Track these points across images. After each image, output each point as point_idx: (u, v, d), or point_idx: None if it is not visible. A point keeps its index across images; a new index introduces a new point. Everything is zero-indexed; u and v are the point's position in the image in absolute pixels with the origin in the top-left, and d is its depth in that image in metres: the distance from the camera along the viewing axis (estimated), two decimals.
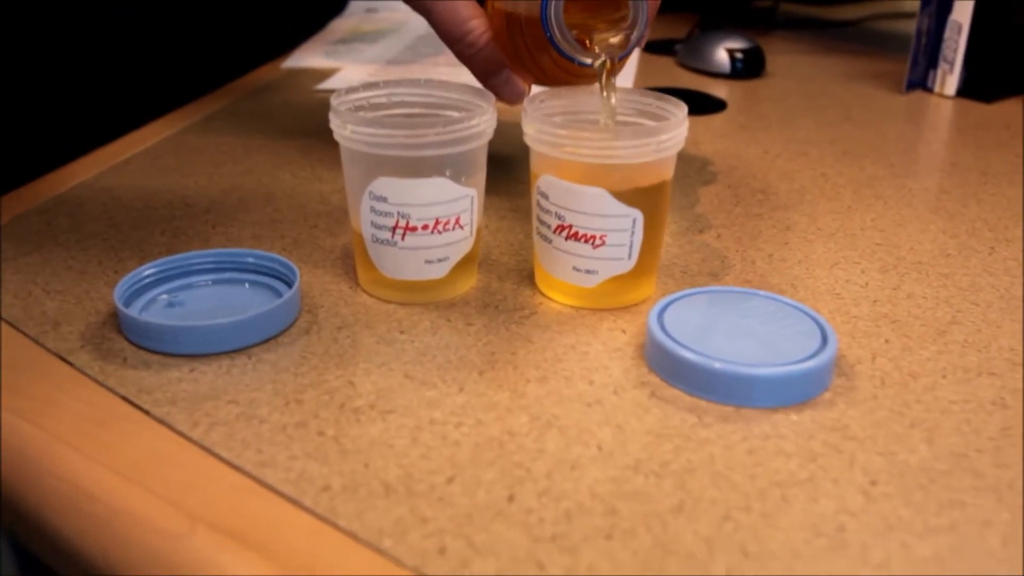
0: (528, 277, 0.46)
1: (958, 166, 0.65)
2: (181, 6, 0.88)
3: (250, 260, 0.45)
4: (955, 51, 0.80)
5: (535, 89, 0.48)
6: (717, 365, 0.36)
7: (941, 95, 0.82)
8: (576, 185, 0.41)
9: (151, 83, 0.86)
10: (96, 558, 0.30)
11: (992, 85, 0.80)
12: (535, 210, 0.43)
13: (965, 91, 0.81)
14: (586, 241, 0.42)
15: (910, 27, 0.81)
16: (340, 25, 1.08)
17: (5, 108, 0.87)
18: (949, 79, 0.81)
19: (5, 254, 0.48)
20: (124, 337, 0.40)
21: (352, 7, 1.15)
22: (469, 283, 0.45)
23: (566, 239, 0.42)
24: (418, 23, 1.08)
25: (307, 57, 0.94)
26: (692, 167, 0.63)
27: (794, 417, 0.35)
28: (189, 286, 0.44)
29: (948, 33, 0.80)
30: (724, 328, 0.39)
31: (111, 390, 0.37)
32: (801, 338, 0.38)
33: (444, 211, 0.42)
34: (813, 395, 0.36)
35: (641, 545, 0.29)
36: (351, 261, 0.48)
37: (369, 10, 1.14)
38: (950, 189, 0.60)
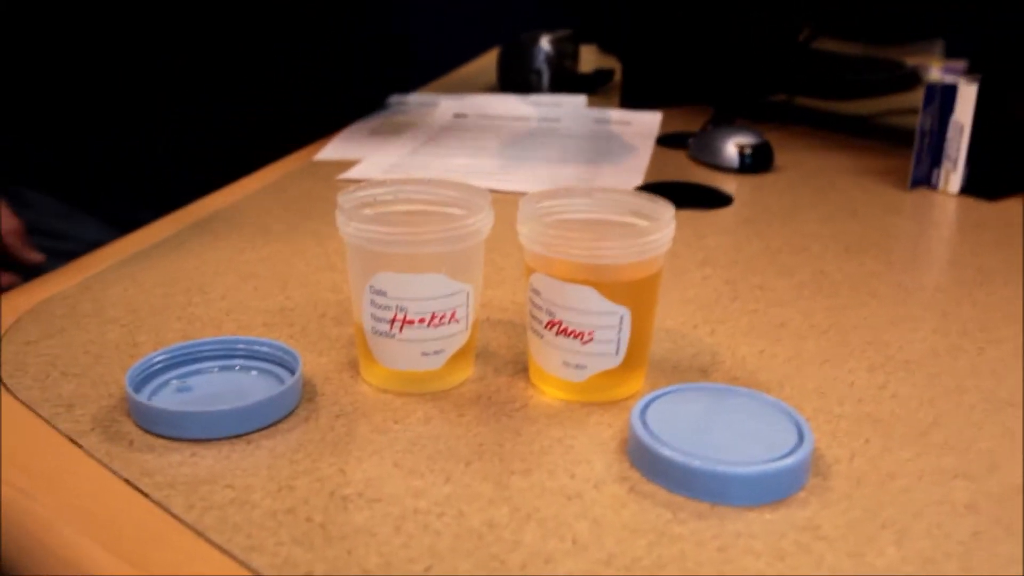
0: (523, 370, 0.48)
1: (956, 264, 0.66)
2: (225, 97, 0.93)
3: (256, 348, 0.47)
4: (958, 150, 0.82)
5: (542, 180, 0.50)
6: (695, 463, 0.37)
7: (945, 192, 0.84)
8: (566, 283, 0.43)
9: (190, 169, 0.91)
10: None
11: (995, 183, 0.82)
12: (528, 305, 0.45)
13: (969, 189, 0.83)
14: (575, 337, 0.43)
15: None
16: (371, 119, 1.13)
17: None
18: (953, 177, 0.83)
19: (29, 336, 0.51)
20: (132, 420, 0.42)
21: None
22: (465, 374, 0.47)
23: (556, 334, 0.44)
24: (442, 117, 1.12)
25: (336, 149, 0.98)
26: (693, 261, 0.65)
27: (768, 516, 0.36)
28: (198, 372, 0.46)
29: (951, 133, 0.82)
30: (705, 425, 0.40)
31: (115, 472, 0.39)
32: (779, 436, 0.39)
33: (440, 305, 0.44)
34: (789, 493, 0.37)
35: None
36: (355, 350, 0.50)
37: (398, 103, 1.18)
38: (946, 287, 0.61)
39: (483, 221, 0.45)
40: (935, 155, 0.84)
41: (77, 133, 0.91)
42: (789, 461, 0.37)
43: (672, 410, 0.41)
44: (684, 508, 0.36)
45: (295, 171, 0.89)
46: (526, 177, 0.86)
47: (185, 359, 0.46)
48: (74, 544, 0.34)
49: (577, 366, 0.44)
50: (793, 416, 0.40)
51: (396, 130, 1.06)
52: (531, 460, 0.40)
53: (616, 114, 1.16)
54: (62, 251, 0.85)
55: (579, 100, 1.23)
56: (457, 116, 1.13)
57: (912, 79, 1.44)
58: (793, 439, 0.39)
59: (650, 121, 1.13)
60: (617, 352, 0.44)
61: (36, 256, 0.85)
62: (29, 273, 0.84)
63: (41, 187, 0.91)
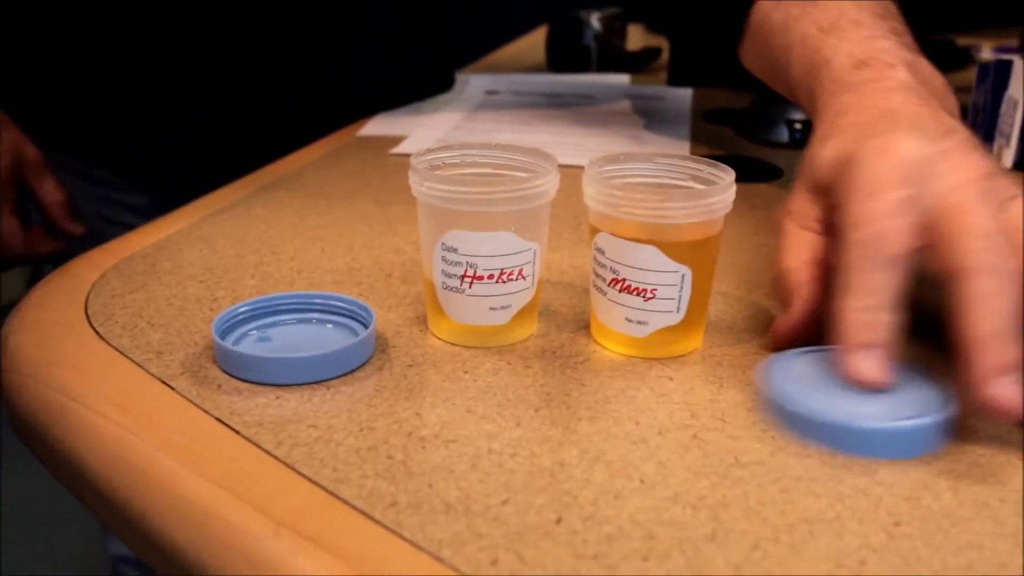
0: (585, 327, 0.50)
1: None
2: (227, 96, 0.95)
3: (331, 302, 0.49)
4: (1011, 126, 0.82)
5: (591, 154, 0.52)
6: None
7: None
8: (630, 242, 0.44)
9: (250, 142, 0.93)
10: (192, 555, 0.34)
11: None
12: (592, 264, 0.47)
13: (1022, 164, 0.83)
14: (638, 294, 0.45)
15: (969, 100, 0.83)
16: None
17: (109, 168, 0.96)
18: (1006, 152, 0.83)
19: (114, 291, 0.54)
20: (218, 366, 0.45)
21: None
22: (530, 330, 0.49)
23: (619, 292, 0.46)
24: (476, 94, 1.14)
25: (378, 126, 0.99)
26: (745, 230, 0.66)
27: (828, 462, 0.38)
28: (277, 323, 0.49)
29: (1004, 108, 0.82)
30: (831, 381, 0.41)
31: (206, 412, 0.41)
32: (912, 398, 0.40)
33: (509, 262, 0.46)
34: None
35: (675, 566, 0.31)
36: (422, 307, 0.52)
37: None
38: None
39: (550, 183, 0.47)
40: (988, 131, 0.84)
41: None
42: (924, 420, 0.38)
43: (797, 369, 0.42)
44: (746, 452, 0.38)
45: (343, 146, 0.91)
46: (574, 150, 0.87)
47: (265, 311, 0.49)
48: (176, 473, 0.37)
49: (639, 322, 0.46)
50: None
51: (434, 107, 1.07)
52: (596, 408, 0.42)
53: (648, 90, 1.17)
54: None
55: (621, 79, 1.24)
56: (488, 92, 1.14)
57: (962, 58, 1.43)
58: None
59: (682, 96, 1.14)
60: (678, 309, 0.45)
61: (78, 227, 0.88)
62: (70, 242, 0.88)
63: None
